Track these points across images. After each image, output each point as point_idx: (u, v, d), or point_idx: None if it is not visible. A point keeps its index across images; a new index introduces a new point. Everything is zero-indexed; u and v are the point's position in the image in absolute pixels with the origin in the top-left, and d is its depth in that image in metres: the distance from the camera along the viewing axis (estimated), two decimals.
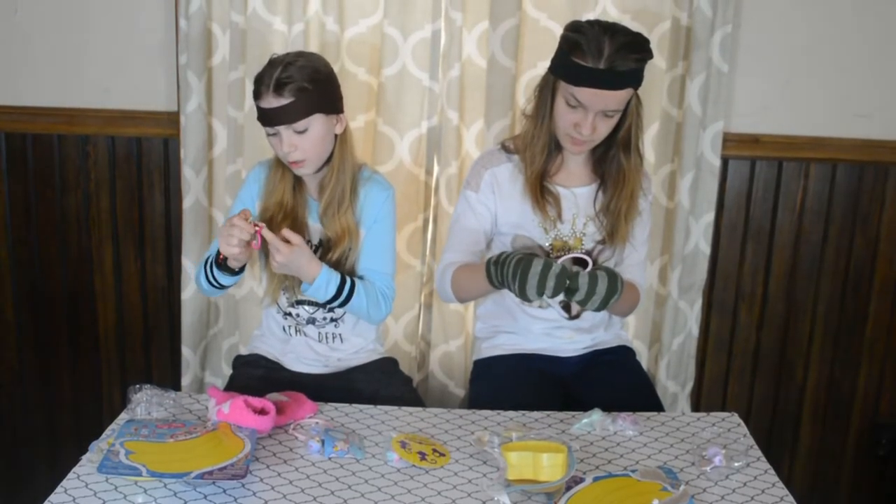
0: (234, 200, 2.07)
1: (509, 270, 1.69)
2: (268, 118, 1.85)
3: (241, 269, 1.89)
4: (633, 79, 1.83)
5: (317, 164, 1.92)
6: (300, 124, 1.85)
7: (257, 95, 1.86)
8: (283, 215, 1.95)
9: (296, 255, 1.81)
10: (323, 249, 1.97)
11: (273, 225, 1.90)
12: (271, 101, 1.83)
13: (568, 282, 1.66)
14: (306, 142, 1.87)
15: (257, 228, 1.78)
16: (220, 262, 1.85)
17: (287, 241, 1.81)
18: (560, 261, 1.69)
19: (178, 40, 2.36)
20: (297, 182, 1.98)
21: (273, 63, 1.86)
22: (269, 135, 1.89)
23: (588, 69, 1.79)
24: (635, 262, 2.07)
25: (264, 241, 1.80)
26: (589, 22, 1.85)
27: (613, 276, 1.68)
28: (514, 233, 2.00)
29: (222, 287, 1.93)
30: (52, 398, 2.70)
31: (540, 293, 1.66)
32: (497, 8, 2.31)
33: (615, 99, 1.82)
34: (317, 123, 1.87)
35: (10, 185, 2.55)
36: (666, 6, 2.36)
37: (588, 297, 1.67)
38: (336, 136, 1.93)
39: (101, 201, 2.55)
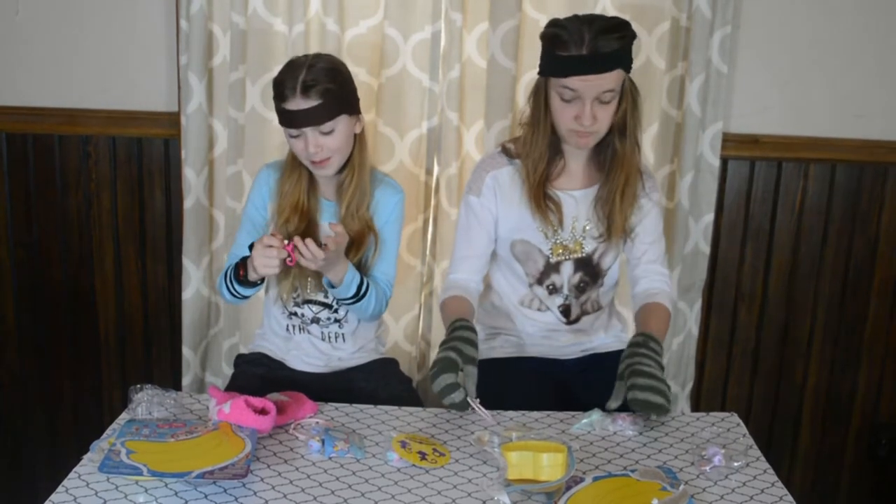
0: (246, 204, 2.05)
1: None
2: (295, 120, 1.85)
3: (262, 280, 1.90)
4: (619, 59, 1.82)
5: (339, 164, 1.93)
6: (327, 126, 1.85)
7: (281, 98, 1.85)
8: (298, 217, 1.95)
9: (340, 251, 1.82)
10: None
11: (290, 229, 1.91)
12: (299, 103, 1.83)
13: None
14: (332, 142, 1.87)
15: (288, 246, 1.77)
16: (242, 278, 1.86)
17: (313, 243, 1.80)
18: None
19: (179, 41, 2.36)
20: (311, 184, 1.99)
21: (294, 65, 1.86)
22: (292, 137, 1.89)
23: (573, 57, 1.80)
24: (652, 267, 2.04)
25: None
26: (566, 17, 1.85)
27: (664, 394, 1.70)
28: (512, 237, 2.00)
29: (245, 297, 1.95)
30: (52, 398, 2.70)
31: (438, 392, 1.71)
32: (497, 9, 2.32)
33: (606, 81, 1.82)
34: (342, 124, 1.87)
35: (10, 185, 2.55)
36: (665, 7, 2.37)
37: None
38: (355, 136, 1.94)
39: (102, 202, 2.55)
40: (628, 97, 1.90)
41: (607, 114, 1.87)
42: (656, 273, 2.04)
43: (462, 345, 1.77)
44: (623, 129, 1.92)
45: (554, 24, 1.85)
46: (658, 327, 1.91)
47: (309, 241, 1.77)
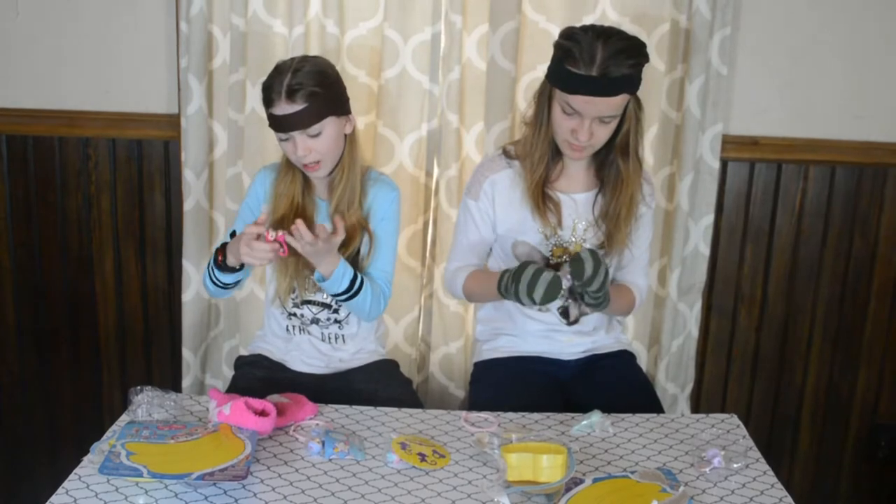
0: (241, 205, 2.07)
1: (510, 278, 1.78)
2: (282, 125, 1.86)
3: (243, 266, 1.90)
4: (627, 84, 1.82)
5: (331, 166, 1.94)
6: (314, 128, 1.86)
7: (269, 103, 1.87)
8: (293, 217, 1.95)
9: (333, 245, 1.84)
10: None
11: (285, 226, 1.91)
12: (284, 108, 1.84)
13: (563, 290, 1.76)
14: (321, 144, 1.88)
15: (278, 236, 1.79)
16: (220, 263, 1.87)
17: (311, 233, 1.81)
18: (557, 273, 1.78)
19: (179, 43, 2.36)
20: (306, 184, 2.00)
21: (280, 69, 1.87)
22: (282, 140, 1.90)
23: (581, 76, 1.78)
24: (636, 268, 2.09)
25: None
26: (583, 28, 1.83)
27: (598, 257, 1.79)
28: (513, 238, 2.01)
29: (227, 286, 1.95)
30: (52, 399, 2.70)
31: (530, 296, 1.75)
32: (497, 11, 2.32)
33: (610, 105, 1.82)
34: (329, 126, 1.89)
35: (10, 187, 2.55)
36: (665, 9, 2.37)
37: (594, 275, 1.77)
38: (346, 136, 1.95)
39: (102, 203, 2.55)
40: (632, 117, 1.90)
41: (605, 131, 1.88)
42: (635, 281, 2.09)
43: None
44: (626, 149, 1.93)
45: (568, 35, 1.83)
46: (619, 298, 1.99)
47: (300, 221, 1.78)
